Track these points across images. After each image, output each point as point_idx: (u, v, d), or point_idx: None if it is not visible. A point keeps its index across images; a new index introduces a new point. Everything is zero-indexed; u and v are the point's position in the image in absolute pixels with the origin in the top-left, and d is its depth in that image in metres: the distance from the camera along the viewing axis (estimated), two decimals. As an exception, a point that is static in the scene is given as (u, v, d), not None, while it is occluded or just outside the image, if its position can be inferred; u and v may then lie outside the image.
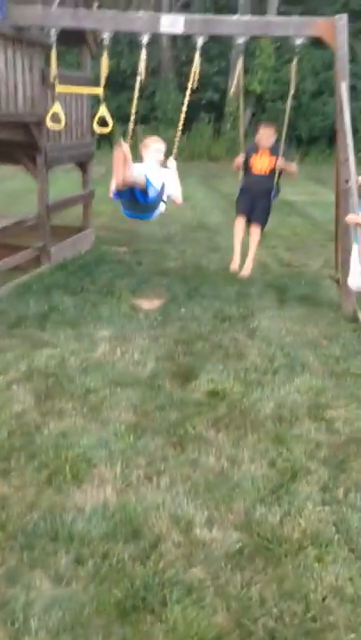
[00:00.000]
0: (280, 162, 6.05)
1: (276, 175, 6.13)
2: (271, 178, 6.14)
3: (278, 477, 3.24)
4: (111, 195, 4.61)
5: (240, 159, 6.27)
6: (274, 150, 6.13)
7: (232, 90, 5.88)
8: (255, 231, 6.50)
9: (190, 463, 3.34)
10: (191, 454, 3.42)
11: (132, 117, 5.44)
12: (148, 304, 5.97)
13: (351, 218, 5.56)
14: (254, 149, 6.26)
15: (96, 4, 7.02)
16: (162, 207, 4.90)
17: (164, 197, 4.83)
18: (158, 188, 4.59)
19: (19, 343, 4.78)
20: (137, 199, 4.47)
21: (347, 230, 5.91)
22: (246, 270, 6.45)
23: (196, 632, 2.26)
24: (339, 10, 21.53)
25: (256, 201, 6.33)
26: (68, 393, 4.02)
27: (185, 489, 3.09)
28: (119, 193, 4.45)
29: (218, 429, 3.71)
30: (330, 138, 21.35)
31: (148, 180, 4.36)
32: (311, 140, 21.32)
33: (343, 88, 5.81)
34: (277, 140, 6.13)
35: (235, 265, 6.46)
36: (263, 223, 6.48)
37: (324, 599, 2.45)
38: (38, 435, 3.51)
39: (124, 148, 4.00)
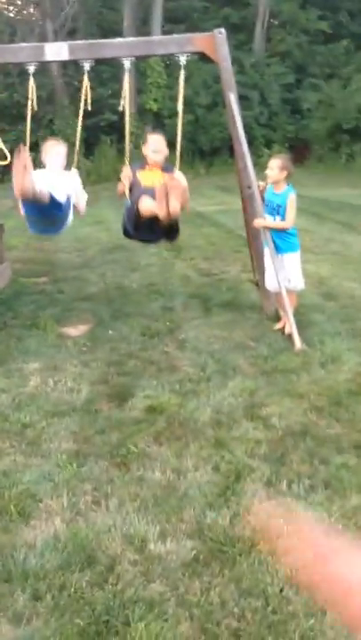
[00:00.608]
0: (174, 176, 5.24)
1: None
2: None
3: (223, 480, 3.32)
4: (21, 211, 4.57)
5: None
6: (165, 167, 5.56)
7: (120, 107, 5.78)
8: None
9: (136, 481, 3.35)
10: (136, 472, 3.44)
11: (27, 146, 5.40)
12: (75, 331, 5.94)
13: (258, 222, 5.79)
14: (139, 165, 5.60)
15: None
16: (69, 219, 4.89)
17: (71, 208, 4.81)
18: (64, 199, 4.55)
19: None
20: (44, 212, 4.43)
21: (257, 234, 6.14)
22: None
23: (163, 645, 2.28)
24: (220, 24, 22.43)
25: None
26: (3, 431, 3.94)
27: (134, 507, 3.11)
28: (27, 206, 4.38)
29: (160, 443, 3.75)
30: (230, 147, 22.03)
31: (52, 196, 4.33)
32: (213, 151, 21.94)
33: (232, 99, 6.05)
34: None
35: None
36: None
37: (281, 590, 2.53)
38: (-22, 478, 3.42)
39: (22, 154, 3.94)
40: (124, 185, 5.06)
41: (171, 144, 5.65)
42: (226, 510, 3.04)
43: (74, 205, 5.06)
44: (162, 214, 4.62)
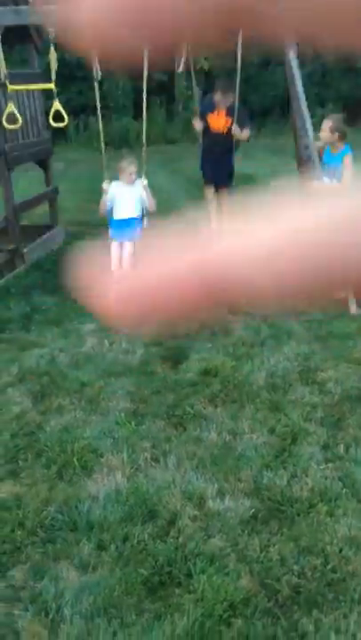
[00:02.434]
0: (233, 129, 6.15)
1: (233, 135, 6.28)
2: (229, 136, 6.26)
3: (280, 443, 3.35)
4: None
5: (198, 121, 6.38)
6: (230, 111, 6.20)
7: (181, 67, 5.98)
8: (224, 195, 6.63)
9: (194, 441, 3.42)
10: (193, 432, 3.50)
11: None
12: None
13: (315, 185, 5.66)
14: (211, 108, 6.33)
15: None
16: (144, 222, 5.59)
17: (143, 212, 5.54)
18: (138, 213, 5.52)
19: (6, 347, 4.79)
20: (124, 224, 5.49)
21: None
22: None
23: (225, 597, 2.35)
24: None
25: (219, 162, 6.47)
26: (63, 389, 4.06)
27: (192, 465, 3.18)
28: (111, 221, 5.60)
29: (215, 405, 3.80)
30: (282, 108, 21.47)
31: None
32: (265, 111, 21.37)
33: (291, 56, 5.88)
34: (232, 106, 6.21)
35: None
36: (230, 184, 6.69)
37: (340, 550, 2.56)
38: (41, 433, 3.55)
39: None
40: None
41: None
42: (283, 471, 3.07)
43: (144, 208, 5.59)
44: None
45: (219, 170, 6.53)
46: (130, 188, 5.59)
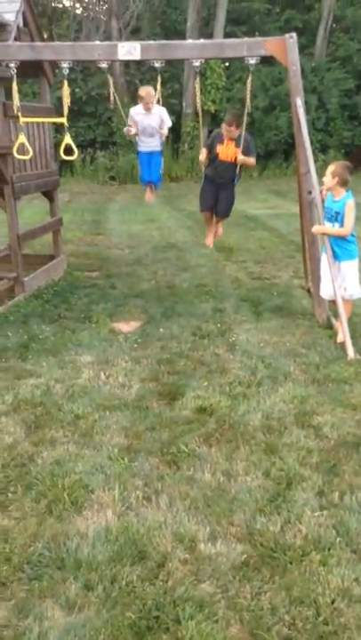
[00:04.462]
0: (240, 157, 6.45)
1: (238, 166, 6.60)
2: (235, 166, 6.59)
3: (274, 487, 3.30)
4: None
5: (204, 152, 6.72)
6: (237, 141, 6.49)
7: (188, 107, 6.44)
8: (220, 224, 7.46)
9: (187, 480, 3.37)
10: (187, 471, 3.46)
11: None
12: (127, 326, 6.01)
13: (318, 228, 5.73)
14: (220, 139, 6.64)
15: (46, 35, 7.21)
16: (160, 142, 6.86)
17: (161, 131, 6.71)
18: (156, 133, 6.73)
19: (2, 375, 4.76)
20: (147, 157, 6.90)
21: (314, 240, 6.08)
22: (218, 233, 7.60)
23: (213, 646, 2.28)
24: (282, 27, 22.30)
25: (221, 190, 6.88)
26: (57, 421, 4.02)
27: (185, 506, 3.13)
28: (140, 154, 6.96)
29: (210, 445, 3.76)
30: (285, 151, 21.87)
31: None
32: (268, 154, 21.75)
33: (299, 103, 6.01)
34: (239, 136, 6.51)
35: (209, 241, 7.57)
36: (228, 214, 7.25)
37: (333, 602, 2.50)
38: (32, 465, 3.50)
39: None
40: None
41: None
42: (277, 517, 3.02)
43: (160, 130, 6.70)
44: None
45: (219, 200, 6.93)
46: (149, 115, 6.49)
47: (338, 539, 2.87)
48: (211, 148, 6.69)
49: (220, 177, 6.75)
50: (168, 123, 6.75)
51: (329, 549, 2.80)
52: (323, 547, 2.81)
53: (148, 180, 7.28)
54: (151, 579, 2.63)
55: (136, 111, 6.64)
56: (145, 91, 6.49)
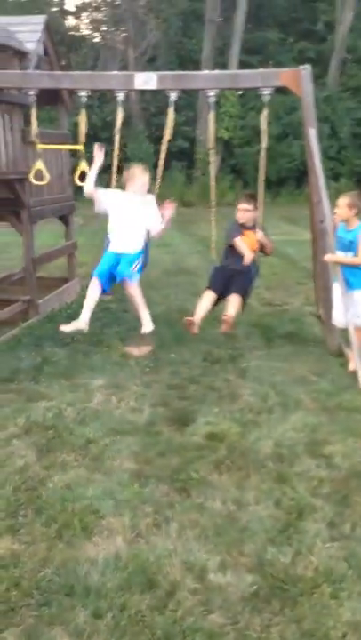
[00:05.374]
0: (260, 235, 5.94)
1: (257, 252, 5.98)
2: (256, 254, 6.01)
3: (285, 517, 3.28)
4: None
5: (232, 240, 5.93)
6: (254, 227, 6.00)
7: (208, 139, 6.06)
8: (234, 298, 5.86)
9: (197, 508, 3.36)
10: (197, 499, 3.45)
11: (114, 168, 5.70)
12: (138, 351, 6.02)
13: (329, 257, 5.76)
14: (238, 231, 5.99)
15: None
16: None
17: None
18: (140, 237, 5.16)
19: (14, 397, 4.79)
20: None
21: (326, 268, 6.10)
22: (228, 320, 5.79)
23: None
24: (296, 57, 22.68)
25: (233, 278, 5.93)
26: (68, 444, 4.03)
27: (195, 534, 3.11)
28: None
29: (220, 472, 3.75)
30: (297, 178, 22.06)
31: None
32: (280, 181, 21.94)
33: (312, 134, 6.09)
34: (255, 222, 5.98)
35: (195, 319, 5.85)
36: (243, 294, 5.90)
37: (344, 636, 2.47)
38: (43, 489, 3.50)
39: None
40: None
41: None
42: (288, 548, 3.00)
43: (148, 230, 5.29)
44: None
45: (231, 284, 5.90)
46: (136, 200, 5.03)
47: (349, 571, 2.84)
48: (231, 244, 5.96)
49: (233, 269, 5.94)
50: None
51: (340, 582, 2.77)
52: (334, 579, 2.78)
53: (106, 278, 5.31)
54: (160, 608, 2.61)
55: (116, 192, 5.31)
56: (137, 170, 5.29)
